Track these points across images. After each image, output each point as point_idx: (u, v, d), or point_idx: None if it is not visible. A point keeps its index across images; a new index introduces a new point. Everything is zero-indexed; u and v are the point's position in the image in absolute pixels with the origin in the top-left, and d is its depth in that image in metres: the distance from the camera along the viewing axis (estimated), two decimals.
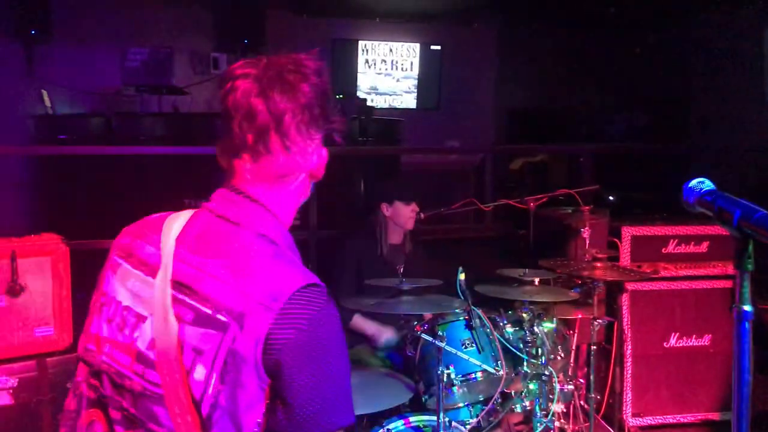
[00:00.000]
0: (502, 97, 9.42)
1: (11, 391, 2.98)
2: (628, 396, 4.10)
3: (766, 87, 7.76)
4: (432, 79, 9.06)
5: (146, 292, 1.32)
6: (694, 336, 4.17)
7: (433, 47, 9.03)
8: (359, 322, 3.52)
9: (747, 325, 1.22)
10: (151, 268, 1.33)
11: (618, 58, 9.13)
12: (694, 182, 1.34)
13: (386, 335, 3.47)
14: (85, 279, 3.32)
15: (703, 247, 4.18)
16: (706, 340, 4.17)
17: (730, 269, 4.17)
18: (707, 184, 1.32)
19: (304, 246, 4.87)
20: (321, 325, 1.24)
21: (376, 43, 8.84)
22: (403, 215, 3.66)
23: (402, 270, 3.66)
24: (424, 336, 2.86)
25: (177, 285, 1.28)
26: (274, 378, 1.22)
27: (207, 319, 1.24)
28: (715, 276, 4.16)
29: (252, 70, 1.35)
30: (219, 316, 1.23)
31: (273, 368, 1.22)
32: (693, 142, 8.51)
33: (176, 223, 1.38)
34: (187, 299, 1.27)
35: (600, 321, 3.51)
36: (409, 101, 9.09)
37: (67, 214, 5.03)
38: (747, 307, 1.22)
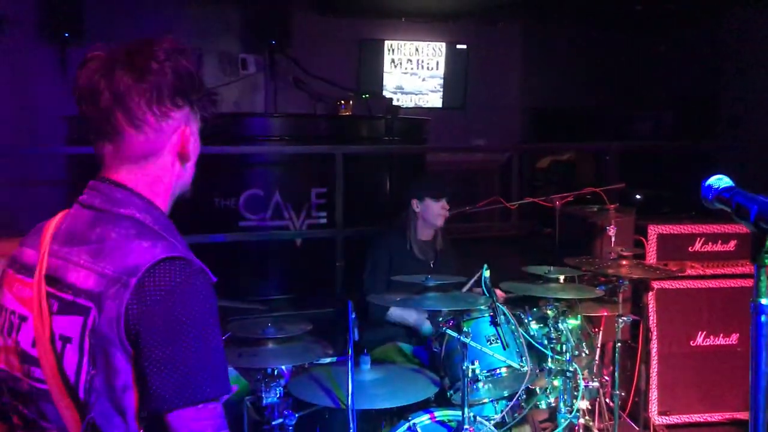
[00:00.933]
0: (528, 96, 9.40)
1: None
2: (653, 394, 4.11)
3: None
4: (458, 78, 9.08)
5: (26, 293, 1.34)
6: (721, 335, 4.16)
7: (458, 46, 9.04)
8: (398, 313, 3.57)
9: (764, 318, 1.25)
10: (30, 270, 1.35)
11: (645, 56, 9.07)
12: (712, 179, 1.37)
13: (428, 323, 3.51)
14: None
15: (731, 245, 4.16)
16: (733, 339, 4.15)
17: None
18: (725, 181, 1.35)
19: (331, 244, 4.94)
20: (180, 298, 1.22)
21: (401, 42, 8.88)
22: (432, 212, 3.70)
23: (432, 266, 3.72)
24: (449, 332, 2.89)
25: (48, 279, 1.31)
26: (135, 353, 1.22)
27: (70, 305, 1.26)
28: (743, 275, 4.15)
29: (102, 53, 1.34)
30: (79, 301, 1.25)
31: (134, 343, 1.21)
32: (721, 140, 8.42)
33: (53, 222, 1.40)
34: (55, 291, 1.29)
35: (625, 318, 3.52)
36: (435, 100, 9.12)
37: None
38: (764, 301, 1.25)
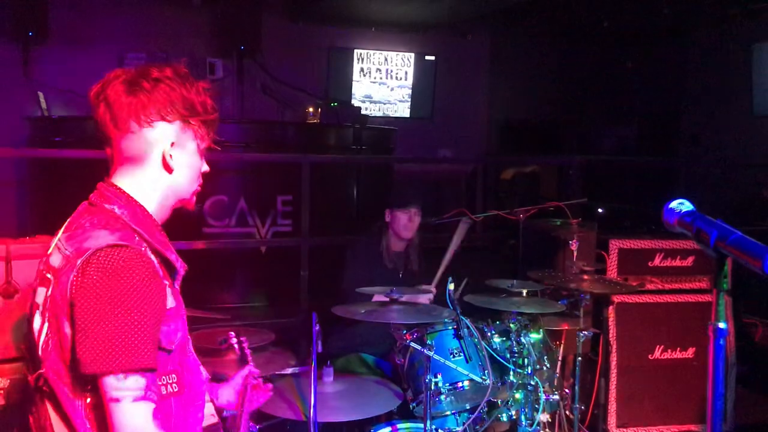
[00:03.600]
0: (495, 108, 9.50)
1: (2, 391, 3.00)
2: (612, 407, 4.16)
3: (753, 101, 7.87)
4: (426, 88, 9.13)
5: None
6: (678, 349, 4.23)
7: (427, 57, 9.10)
8: None
9: (722, 341, 1.28)
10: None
11: (610, 71, 9.23)
12: (674, 203, 1.40)
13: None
14: None
15: (689, 261, 4.24)
16: (690, 353, 4.23)
17: None
18: (686, 206, 1.38)
19: (296, 252, 4.91)
20: (111, 278, 1.42)
21: (371, 52, 8.91)
22: (399, 222, 3.70)
23: (401, 278, 3.72)
24: (413, 344, 2.90)
25: (47, 258, 1.58)
26: (71, 322, 1.44)
27: (43, 278, 1.55)
28: (700, 290, 4.23)
29: (116, 72, 1.59)
30: (47, 275, 1.53)
31: (71, 314, 1.44)
32: (682, 156, 8.61)
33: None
34: (41, 267, 1.59)
35: (585, 332, 3.56)
36: (403, 110, 9.15)
37: (62, 217, 5.03)
38: (722, 325, 1.28)
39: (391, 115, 9.01)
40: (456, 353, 2.97)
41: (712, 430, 1.28)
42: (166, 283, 1.55)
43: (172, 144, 1.60)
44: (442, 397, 2.93)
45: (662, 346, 4.22)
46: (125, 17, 7.30)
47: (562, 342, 3.73)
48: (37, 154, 5.75)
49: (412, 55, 9.04)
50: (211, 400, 1.85)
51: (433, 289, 3.55)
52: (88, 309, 1.40)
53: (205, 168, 1.72)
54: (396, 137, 7.24)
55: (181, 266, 1.64)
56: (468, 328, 3.01)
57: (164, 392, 1.51)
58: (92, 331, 1.39)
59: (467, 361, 2.95)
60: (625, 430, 4.18)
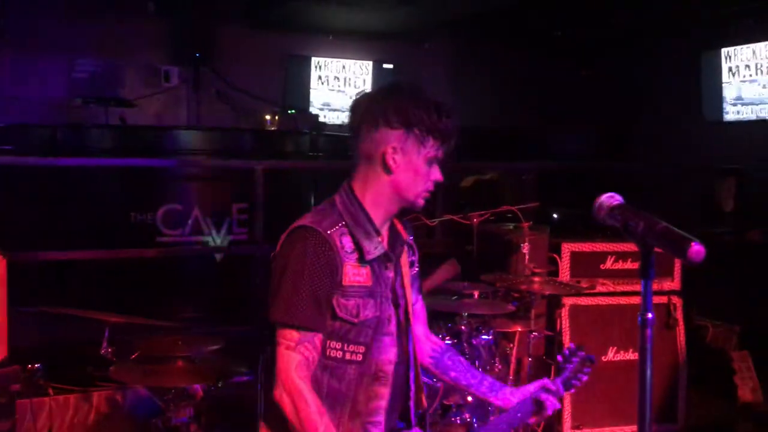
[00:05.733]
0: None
1: None
2: (567, 409, 4.18)
3: (704, 108, 8.07)
4: None
5: None
6: (631, 350, 4.27)
7: (385, 66, 9.13)
8: None
9: (650, 331, 1.29)
10: None
11: (567, 78, 9.36)
12: (604, 197, 1.41)
13: None
14: (23, 291, 3.27)
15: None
16: None
17: (664, 285, 4.31)
18: (616, 199, 1.40)
19: (251, 261, 4.86)
20: (288, 251, 1.83)
21: (328, 60, 8.90)
22: None
23: None
24: None
25: None
26: None
27: None
28: (653, 292, 4.28)
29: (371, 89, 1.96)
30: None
31: None
32: (639, 160, 8.77)
33: None
34: None
35: (536, 334, 3.59)
36: None
37: (7, 226, 4.93)
38: (650, 315, 1.30)
39: None
40: None
41: (642, 421, 1.29)
42: (347, 261, 1.82)
43: (393, 148, 1.84)
44: None
45: (615, 348, 4.26)
46: (78, 24, 7.18)
47: (515, 344, 3.74)
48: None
49: (370, 63, 9.06)
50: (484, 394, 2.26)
51: None
52: (272, 273, 1.83)
53: (436, 176, 1.91)
54: None
55: (373, 252, 1.86)
56: None
57: (347, 357, 1.83)
58: (271, 291, 1.81)
59: None
60: (579, 431, 4.21)
